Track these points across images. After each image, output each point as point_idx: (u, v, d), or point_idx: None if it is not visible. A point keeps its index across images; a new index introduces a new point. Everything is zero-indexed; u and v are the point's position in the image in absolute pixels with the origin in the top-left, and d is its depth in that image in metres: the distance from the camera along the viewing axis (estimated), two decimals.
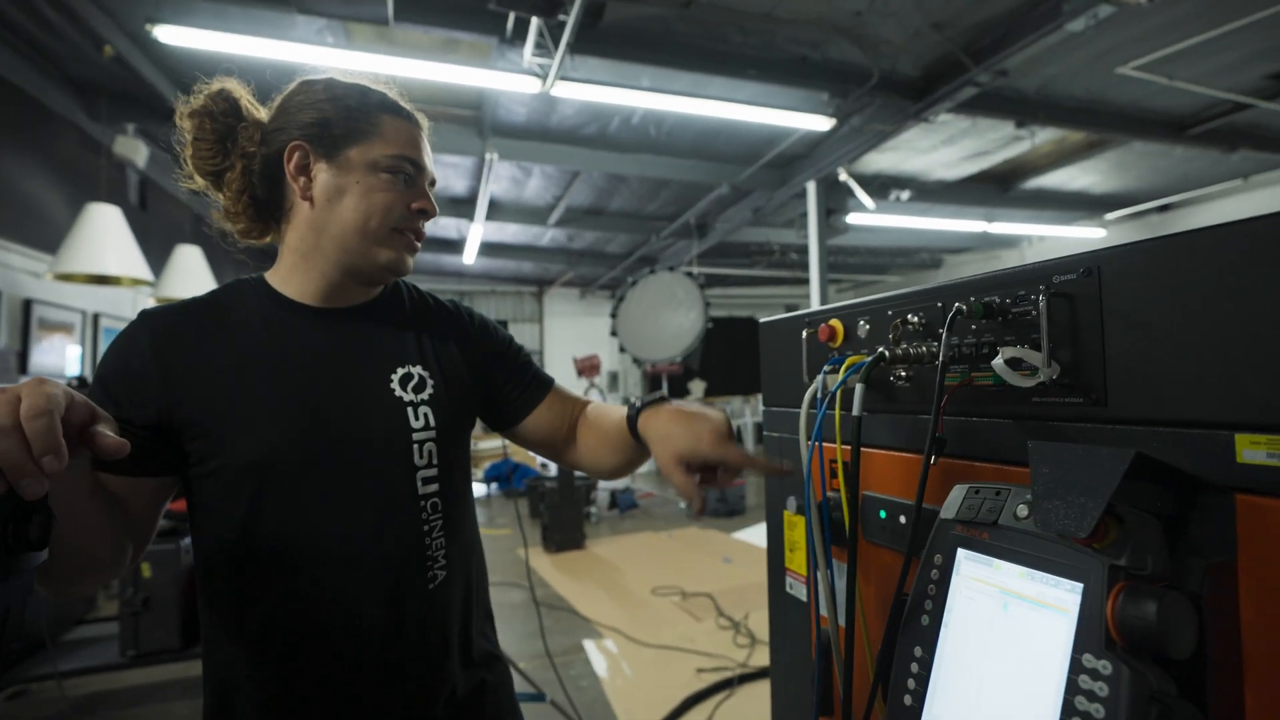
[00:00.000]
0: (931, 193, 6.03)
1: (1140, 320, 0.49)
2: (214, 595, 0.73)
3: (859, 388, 0.62)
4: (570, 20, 2.93)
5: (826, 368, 0.69)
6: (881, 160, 5.39)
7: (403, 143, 0.76)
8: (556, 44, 3.15)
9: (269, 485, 0.70)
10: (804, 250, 7.34)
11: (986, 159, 5.48)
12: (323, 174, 0.75)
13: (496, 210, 6.36)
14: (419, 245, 0.80)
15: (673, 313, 5.47)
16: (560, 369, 9.73)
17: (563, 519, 4.80)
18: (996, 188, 6.22)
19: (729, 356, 9.66)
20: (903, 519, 0.66)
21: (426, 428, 0.78)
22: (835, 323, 0.76)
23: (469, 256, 7.51)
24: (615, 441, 0.85)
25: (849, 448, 0.63)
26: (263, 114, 0.79)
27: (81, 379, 2.06)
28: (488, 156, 4.68)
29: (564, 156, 4.95)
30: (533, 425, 0.92)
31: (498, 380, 0.91)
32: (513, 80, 3.51)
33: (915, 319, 0.65)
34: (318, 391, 0.73)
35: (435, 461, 0.78)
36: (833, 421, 0.65)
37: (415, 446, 0.77)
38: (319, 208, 0.75)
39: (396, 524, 0.75)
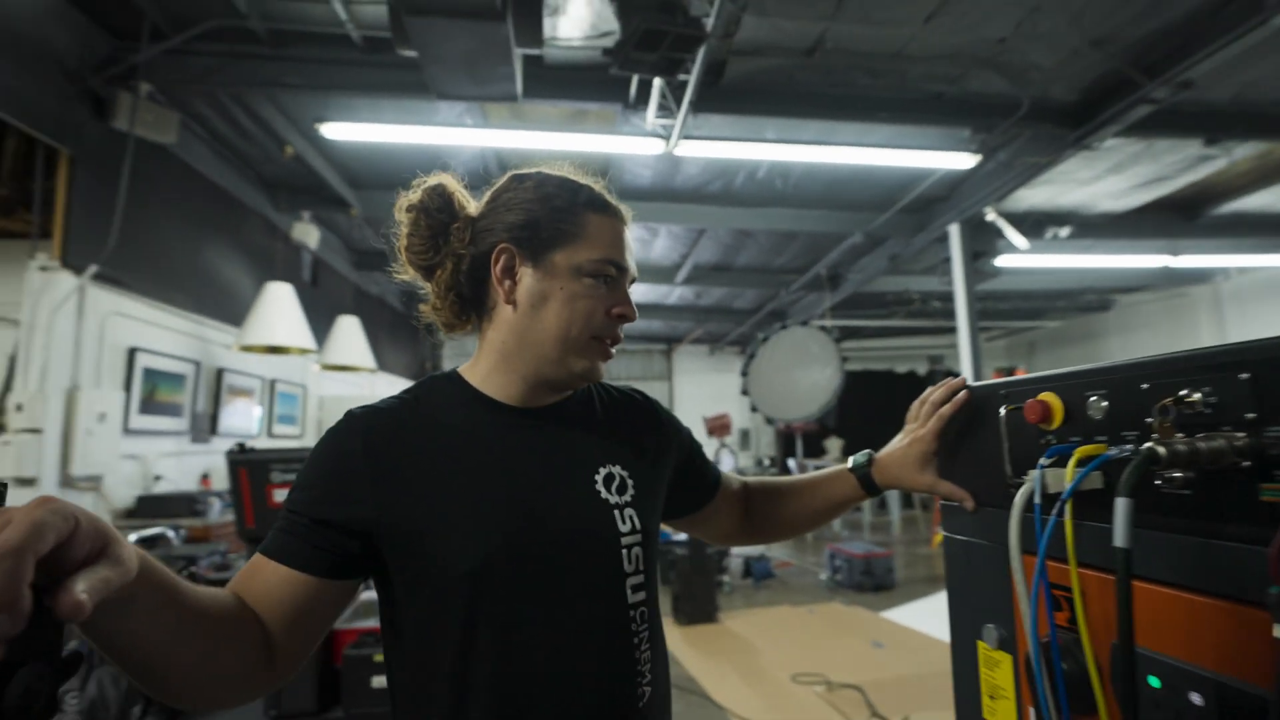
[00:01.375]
0: (1096, 227, 5.40)
1: None
2: (416, 708, 0.69)
3: (1124, 504, 0.41)
4: (691, 79, 2.93)
5: (1045, 461, 0.54)
6: (1035, 196, 4.90)
7: (607, 243, 0.75)
8: (679, 104, 3.17)
9: (484, 600, 0.66)
10: (948, 298, 6.91)
11: (1165, 185, 4.80)
12: (527, 278, 0.74)
13: None
14: (613, 352, 0.77)
15: (806, 369, 5.31)
16: (690, 427, 9.64)
17: (694, 588, 4.57)
18: (1179, 216, 5.43)
19: (867, 412, 9.08)
20: (1197, 699, 0.43)
21: (633, 531, 0.75)
22: (1050, 398, 0.59)
23: None
24: (817, 497, 0.93)
25: (1086, 572, 0.46)
26: (473, 208, 0.79)
27: (241, 445, 2.22)
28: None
29: (689, 215, 4.99)
30: (704, 516, 0.95)
31: (684, 473, 0.91)
32: (637, 143, 3.59)
33: (1199, 396, 0.44)
34: (528, 495, 0.71)
35: (642, 567, 0.75)
36: (1055, 532, 0.49)
37: (624, 552, 0.73)
38: (522, 312, 0.74)
39: (613, 640, 0.71)
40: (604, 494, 0.75)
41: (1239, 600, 0.41)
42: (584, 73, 3.24)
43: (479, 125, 3.79)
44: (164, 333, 3.55)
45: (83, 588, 0.39)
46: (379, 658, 2.15)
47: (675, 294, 7.54)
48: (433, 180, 0.78)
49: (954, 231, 4.91)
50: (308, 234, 4.38)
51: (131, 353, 3.28)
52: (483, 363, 0.77)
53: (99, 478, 3.03)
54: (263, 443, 4.32)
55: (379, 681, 2.13)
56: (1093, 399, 0.55)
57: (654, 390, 10.39)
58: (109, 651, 0.50)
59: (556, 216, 0.74)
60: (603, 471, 0.76)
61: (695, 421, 9.15)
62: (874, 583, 5.35)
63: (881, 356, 10.41)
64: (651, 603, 0.76)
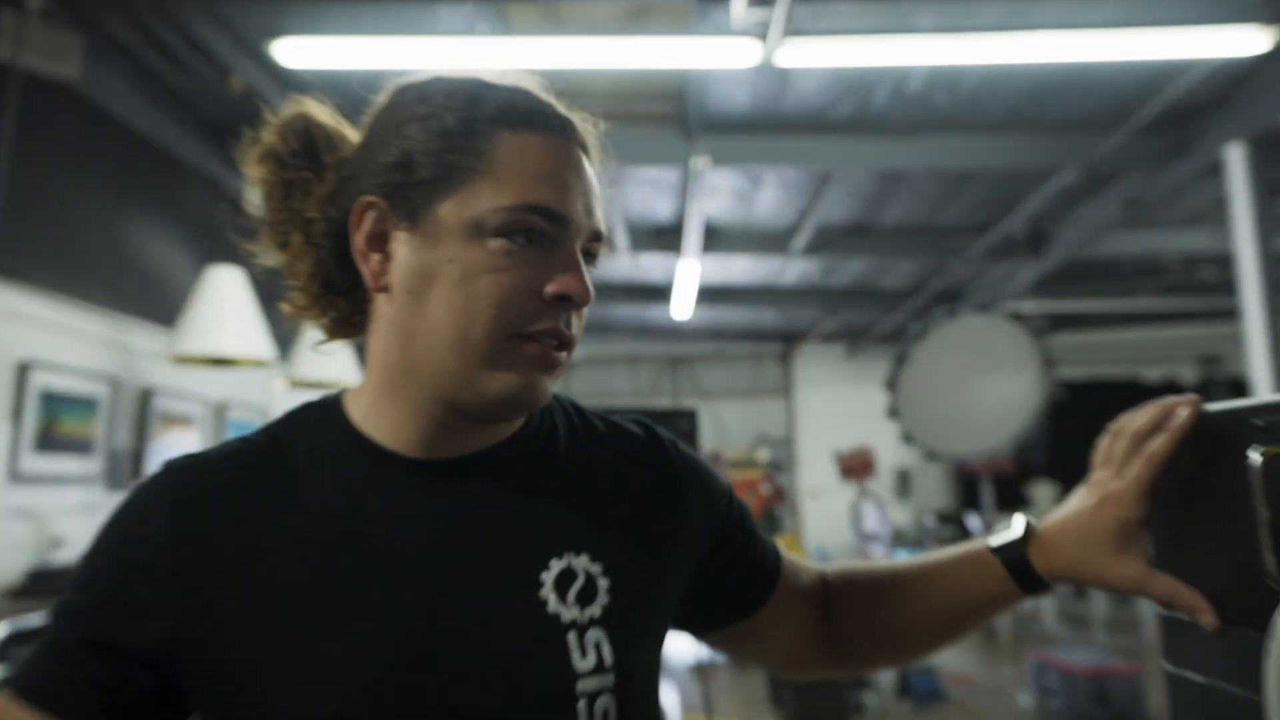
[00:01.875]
0: None
1: None
2: None
3: None
4: None
5: None
6: None
7: (527, 177, 0.70)
8: None
9: None
10: (1226, 262, 6.56)
11: None
12: (402, 248, 0.72)
13: (716, 239, 6.60)
14: (562, 358, 0.73)
15: (990, 378, 5.15)
16: (818, 467, 9.63)
17: (817, 712, 4.50)
18: None
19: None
20: None
21: (600, 669, 0.70)
22: None
23: (682, 308, 7.89)
24: (947, 594, 0.88)
25: None
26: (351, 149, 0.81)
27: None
28: (696, 164, 4.80)
29: (807, 152, 4.98)
30: (756, 630, 0.91)
31: (714, 564, 0.88)
32: (724, 49, 3.55)
33: None
34: (423, 609, 0.69)
35: None
36: None
37: (582, 705, 0.69)
38: (400, 303, 0.72)
39: None
40: (552, 605, 0.71)
41: None
42: None
43: (496, 33, 3.84)
44: (69, 340, 3.74)
45: None
46: None
47: (792, 270, 7.57)
48: (289, 112, 0.78)
49: (1234, 156, 4.64)
50: None
51: (23, 369, 3.47)
52: (366, 388, 0.76)
53: None
54: None
55: None
56: None
57: (767, 412, 10.47)
58: None
59: (442, 144, 0.70)
60: (556, 566, 0.73)
61: (824, 458, 9.13)
62: (1110, 716, 5.14)
63: (1119, 356, 10.10)
64: None
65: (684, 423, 2.17)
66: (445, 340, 0.68)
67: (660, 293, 8.02)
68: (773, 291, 8.23)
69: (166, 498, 0.69)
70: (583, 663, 0.69)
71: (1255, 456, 0.63)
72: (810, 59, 3.64)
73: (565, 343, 0.72)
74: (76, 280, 3.77)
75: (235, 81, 3.98)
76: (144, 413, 4.16)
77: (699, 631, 0.91)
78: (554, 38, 3.68)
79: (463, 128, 0.70)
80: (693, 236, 5.95)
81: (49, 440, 3.58)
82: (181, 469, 0.71)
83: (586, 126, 0.77)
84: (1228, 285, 5.13)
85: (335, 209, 0.75)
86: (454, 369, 0.69)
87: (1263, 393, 4.28)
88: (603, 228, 0.75)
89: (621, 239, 6.38)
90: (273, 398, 5.33)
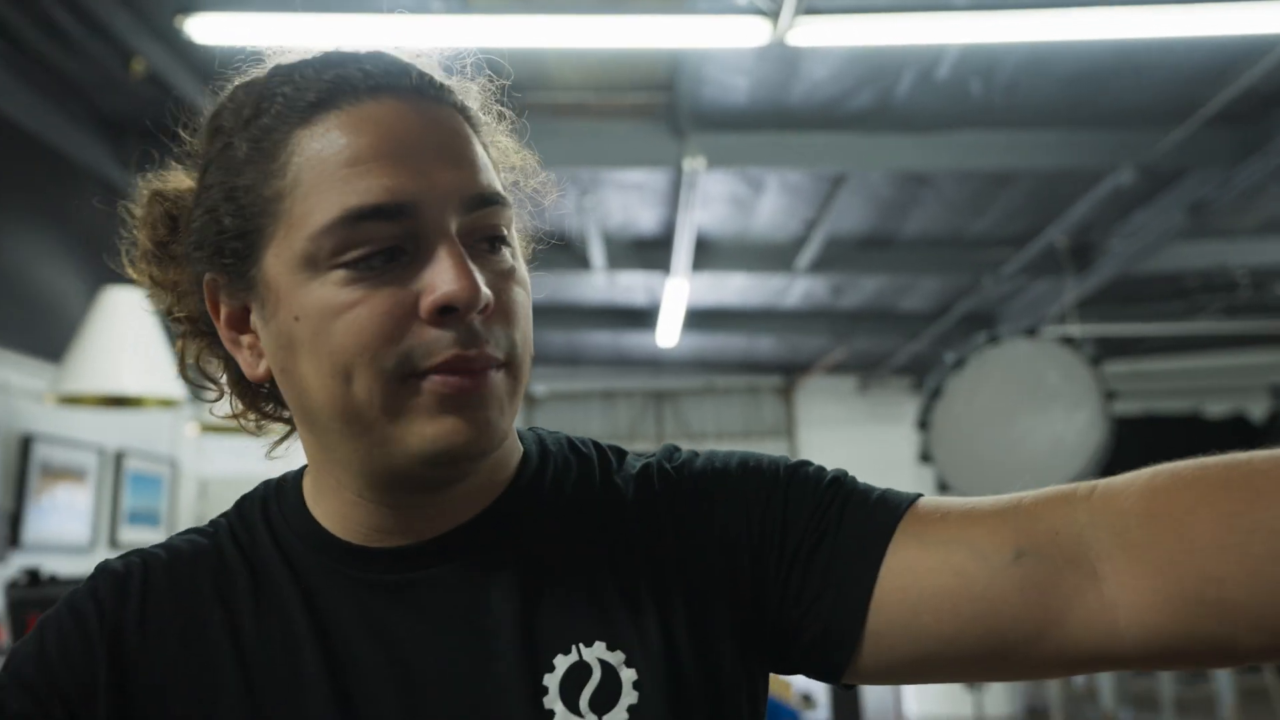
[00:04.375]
0: None
1: None
2: None
3: None
4: None
5: None
6: None
7: (344, 176, 0.64)
8: None
9: None
10: None
11: None
12: (258, 323, 0.71)
13: (709, 254, 6.57)
14: (488, 382, 0.66)
15: (1040, 415, 5.21)
16: None
17: None
18: None
19: None
20: None
21: None
22: None
23: (667, 335, 7.80)
24: None
25: None
26: None
27: (32, 573, 2.15)
28: (688, 166, 4.77)
29: (818, 151, 4.99)
30: (883, 638, 0.70)
31: (794, 573, 0.72)
32: (724, 29, 3.54)
33: None
34: None
35: None
36: None
37: None
38: (281, 385, 0.72)
39: None
40: (560, 716, 0.67)
41: None
42: None
43: (453, 10, 3.81)
44: None
45: None
46: None
47: (797, 290, 7.56)
48: (142, 195, 0.78)
49: None
50: None
51: None
52: (310, 472, 0.78)
53: None
54: (97, 557, 4.34)
55: None
56: None
57: (767, 450, 10.06)
58: None
59: (239, 179, 0.67)
60: (562, 663, 0.69)
61: None
62: None
63: (1178, 387, 10.12)
64: None
65: None
66: (334, 414, 0.66)
67: (642, 317, 8.02)
68: (773, 315, 8.23)
69: (100, 610, 0.70)
70: None
71: None
72: (824, 39, 3.63)
73: (484, 361, 0.64)
74: None
75: (137, 65, 3.92)
76: (24, 465, 4.08)
77: (830, 679, 0.74)
78: (522, 16, 3.65)
79: (254, 147, 0.67)
80: (682, 251, 5.91)
81: None
82: (118, 574, 0.72)
83: (431, 64, 0.72)
84: None
85: (195, 300, 0.74)
86: (357, 444, 0.67)
87: None
88: (487, 185, 0.68)
89: (599, 254, 6.36)
90: (182, 445, 5.28)
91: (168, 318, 0.80)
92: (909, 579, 0.68)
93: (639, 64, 4.42)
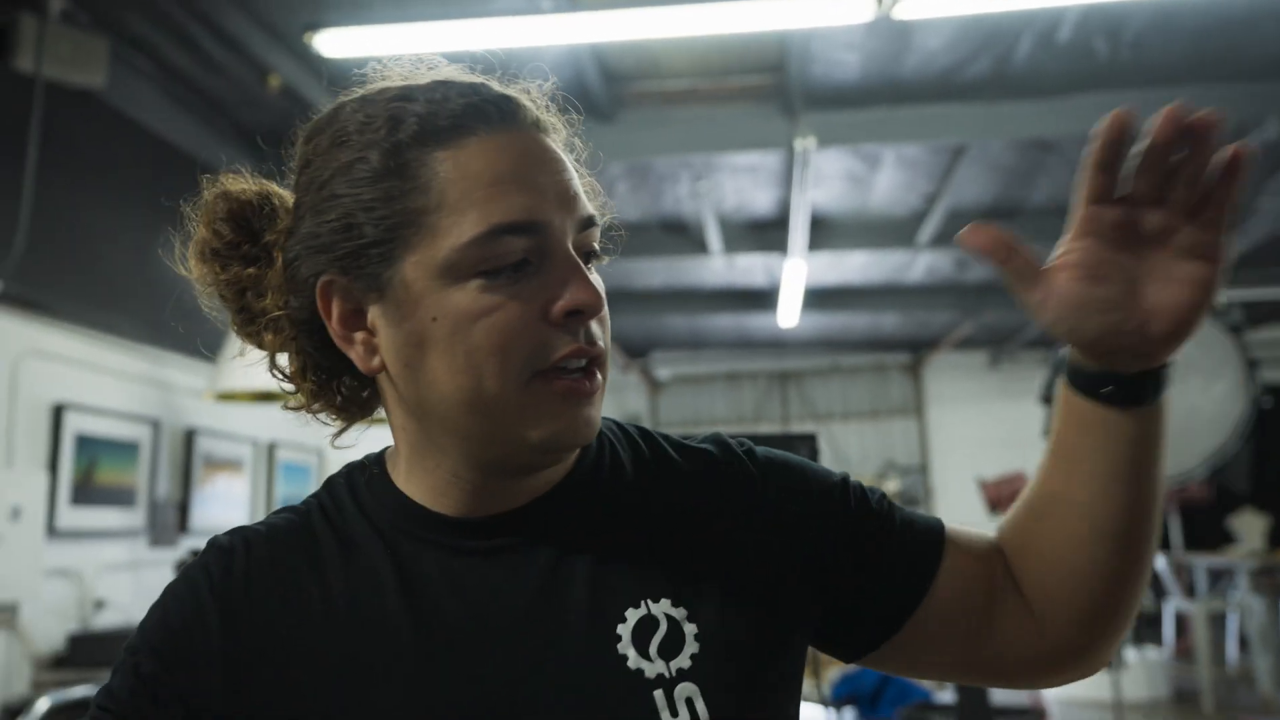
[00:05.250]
0: None
1: None
2: None
3: None
4: None
5: None
6: None
7: (485, 196, 0.71)
8: None
9: None
10: None
11: None
12: (381, 323, 0.75)
13: (827, 232, 6.56)
14: (597, 382, 0.75)
15: (1177, 384, 4.79)
16: (959, 499, 9.46)
17: None
18: None
19: None
20: None
21: None
22: None
23: (788, 315, 7.85)
24: (1094, 474, 0.79)
25: None
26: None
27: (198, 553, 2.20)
28: (801, 146, 4.73)
29: (935, 123, 4.94)
30: (929, 627, 0.85)
31: (843, 569, 0.85)
32: (827, 6, 3.50)
33: None
34: (488, 682, 0.74)
35: None
36: None
37: None
38: (401, 381, 0.75)
39: None
40: (634, 660, 0.75)
41: None
42: None
43: (562, 10, 3.81)
44: (105, 379, 3.82)
45: None
46: None
47: (920, 265, 7.48)
48: (207, 197, 0.81)
49: None
50: None
51: (58, 411, 3.55)
52: (399, 458, 0.82)
53: (11, 607, 3.25)
54: None
55: None
56: None
57: (893, 433, 10.37)
58: None
59: (377, 190, 0.72)
60: (633, 617, 0.77)
61: (965, 487, 9.04)
62: None
63: None
64: None
65: (802, 448, 2.13)
66: (460, 406, 0.72)
67: (763, 298, 8.03)
68: (897, 291, 8.16)
69: (211, 579, 0.75)
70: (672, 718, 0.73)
71: None
72: (935, 9, 3.57)
73: (595, 360, 0.74)
74: (108, 312, 3.85)
75: (273, 80, 4.03)
76: (188, 457, 4.26)
77: (857, 653, 0.90)
78: (629, 10, 3.63)
79: (392, 164, 0.71)
80: (799, 231, 5.88)
81: (87, 491, 3.65)
82: (225, 548, 0.78)
83: (533, 96, 0.78)
84: None
85: (295, 298, 0.77)
86: (480, 433, 0.73)
87: None
88: (591, 210, 0.76)
89: (715, 237, 6.37)
90: (326, 436, 5.39)
91: (238, 312, 0.82)
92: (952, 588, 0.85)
93: (746, 47, 4.37)
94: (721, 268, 7.31)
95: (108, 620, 3.63)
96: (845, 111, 4.83)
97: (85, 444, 3.64)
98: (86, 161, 3.81)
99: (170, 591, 0.78)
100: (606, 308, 0.77)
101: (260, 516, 3.21)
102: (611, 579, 0.79)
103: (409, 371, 0.74)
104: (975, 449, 9.67)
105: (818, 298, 7.88)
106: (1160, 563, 7.76)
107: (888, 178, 5.86)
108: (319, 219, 0.75)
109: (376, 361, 0.75)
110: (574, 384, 0.73)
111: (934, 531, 0.89)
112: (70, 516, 3.56)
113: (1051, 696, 7.74)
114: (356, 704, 0.73)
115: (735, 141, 4.95)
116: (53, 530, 3.46)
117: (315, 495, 0.84)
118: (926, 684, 6.53)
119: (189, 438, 4.25)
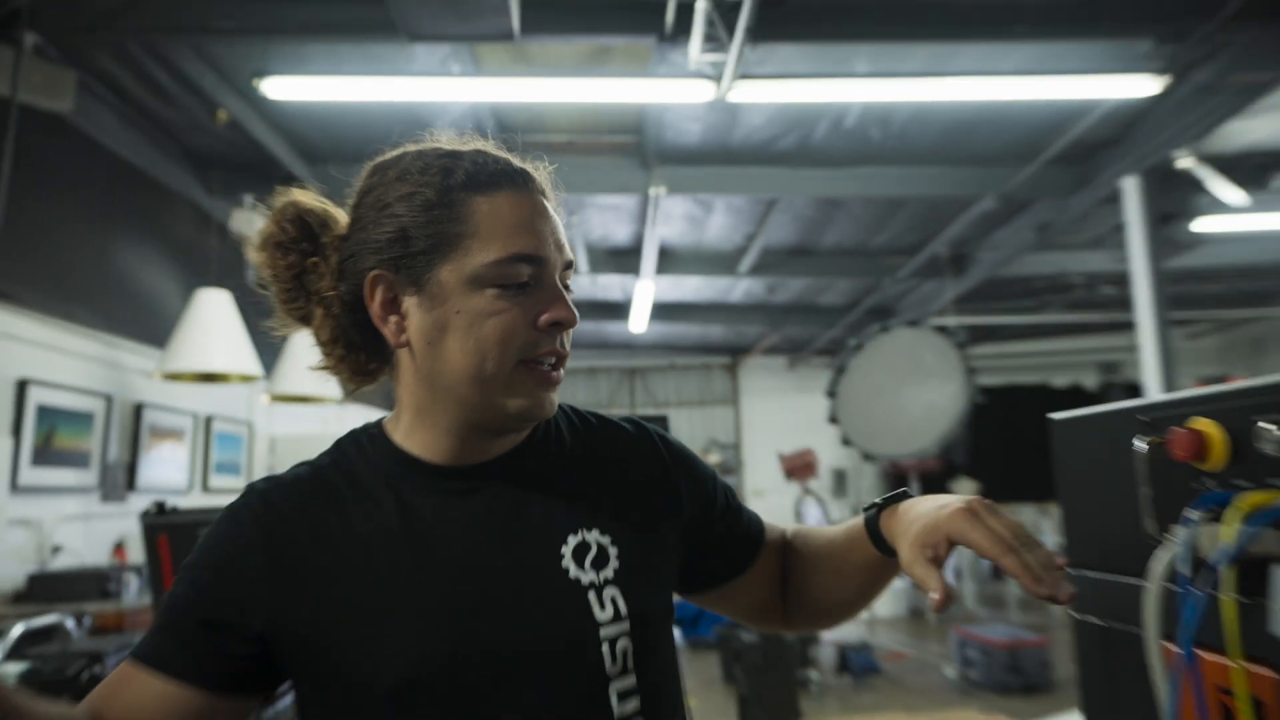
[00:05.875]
0: None
1: None
2: None
3: None
4: None
5: (1197, 512, 0.60)
6: (1256, 130, 4.75)
7: (506, 232, 0.78)
8: (732, 32, 3.15)
9: (427, 718, 0.74)
10: (1123, 280, 6.83)
11: None
12: (414, 309, 0.80)
13: (670, 260, 6.65)
14: (560, 375, 0.83)
15: (919, 386, 5.29)
16: (763, 469, 9.76)
17: (768, 687, 4.64)
18: None
19: (1012, 443, 8.98)
20: None
21: (617, 618, 0.80)
22: (1205, 425, 0.63)
23: (638, 323, 7.85)
24: (845, 564, 0.92)
25: (1261, 671, 0.54)
26: (344, 226, 0.85)
27: (160, 505, 2.27)
28: (653, 192, 4.87)
29: (755, 181, 5.04)
30: (739, 588, 0.98)
31: (703, 535, 0.95)
32: (679, 88, 3.62)
33: None
34: (469, 589, 0.77)
35: (632, 665, 0.80)
36: (1215, 611, 0.56)
37: (606, 648, 0.78)
38: (421, 354, 0.80)
39: None
40: (573, 572, 0.80)
41: None
42: None
43: (468, 74, 3.87)
44: (64, 359, 3.70)
45: None
46: None
47: (740, 288, 7.62)
48: (281, 201, 0.84)
49: (1130, 187, 4.83)
50: (250, 224, 4.50)
51: (21, 386, 3.43)
52: (403, 417, 0.85)
53: None
54: (195, 499, 4.47)
55: None
56: (1265, 427, 0.57)
57: (716, 418, 10.48)
58: None
59: (429, 217, 0.78)
60: (572, 541, 0.82)
61: (768, 460, 9.31)
62: (1023, 682, 5.40)
63: (1032, 365, 10.34)
64: (658, 707, 0.82)
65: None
66: (465, 377, 0.77)
67: (618, 309, 8.05)
68: (721, 308, 8.27)
69: (254, 512, 0.78)
70: (602, 614, 0.79)
71: (1140, 445, 0.71)
72: (758, 96, 3.69)
73: (561, 359, 0.82)
74: (69, 303, 3.72)
75: (221, 114, 3.95)
76: (136, 427, 4.12)
77: (692, 592, 0.99)
78: (523, 79, 3.71)
79: (443, 199, 0.78)
80: (649, 258, 5.98)
81: (46, 454, 3.53)
82: (263, 490, 0.81)
83: (540, 171, 0.85)
84: (1124, 301, 5.32)
85: (345, 284, 0.82)
86: (476, 399, 0.78)
87: (1152, 395, 4.49)
88: (571, 256, 0.84)
89: (582, 260, 6.38)
90: (256, 411, 5.30)
91: (286, 290, 0.84)
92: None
93: (614, 113, 4.46)
94: (587, 284, 7.32)
95: (63, 562, 3.51)
96: (688, 168, 4.91)
97: (45, 413, 3.52)
98: (53, 175, 3.67)
99: (220, 523, 0.80)
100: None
101: (198, 478, 3.35)
102: (556, 514, 0.84)
103: (430, 349, 0.79)
104: (776, 431, 9.92)
105: (661, 310, 7.93)
106: None
107: (718, 220, 5.98)
108: (378, 229, 0.80)
109: (404, 338, 0.80)
110: (546, 374, 0.80)
111: (758, 532, 1.00)
112: (31, 475, 3.44)
113: None
114: (370, 603, 0.76)
115: (602, 186, 4.98)
116: (15, 486, 3.35)
117: (327, 453, 0.86)
118: None
119: (137, 410, 4.11)
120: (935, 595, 0.68)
